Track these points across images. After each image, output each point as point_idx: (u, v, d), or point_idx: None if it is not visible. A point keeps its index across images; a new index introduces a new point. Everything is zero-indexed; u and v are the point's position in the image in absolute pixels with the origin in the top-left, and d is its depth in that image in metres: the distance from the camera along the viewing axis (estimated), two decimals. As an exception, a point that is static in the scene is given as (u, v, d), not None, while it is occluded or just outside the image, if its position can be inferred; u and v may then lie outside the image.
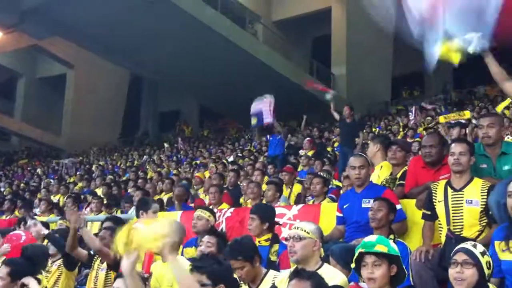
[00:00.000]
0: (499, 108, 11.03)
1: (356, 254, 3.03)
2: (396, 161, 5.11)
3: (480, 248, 2.90)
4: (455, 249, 2.92)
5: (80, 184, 14.05)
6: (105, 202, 8.73)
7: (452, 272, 2.87)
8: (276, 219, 4.98)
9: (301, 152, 12.42)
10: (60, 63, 31.07)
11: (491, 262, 2.87)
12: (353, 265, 3.10)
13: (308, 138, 12.91)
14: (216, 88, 24.40)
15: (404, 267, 3.02)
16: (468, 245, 2.90)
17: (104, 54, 24.88)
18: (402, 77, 29.18)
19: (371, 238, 3.03)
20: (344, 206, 4.68)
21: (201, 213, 5.25)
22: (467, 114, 9.91)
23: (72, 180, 16.08)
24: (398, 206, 4.41)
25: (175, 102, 33.66)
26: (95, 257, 5.27)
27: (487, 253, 2.91)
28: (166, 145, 12.32)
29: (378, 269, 2.92)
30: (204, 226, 5.12)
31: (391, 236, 4.02)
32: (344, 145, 10.65)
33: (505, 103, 10.90)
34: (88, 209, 9.25)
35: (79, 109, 31.15)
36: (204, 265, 2.99)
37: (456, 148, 3.96)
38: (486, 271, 2.83)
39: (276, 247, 4.56)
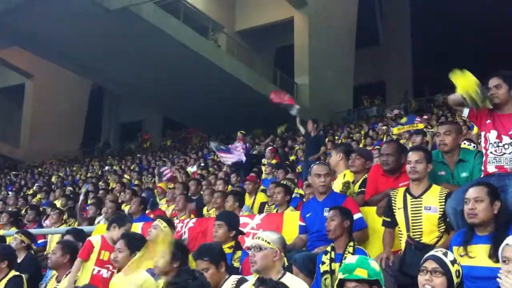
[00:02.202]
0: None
1: (337, 280, 2.97)
2: (356, 169, 5.16)
3: (451, 256, 2.89)
4: (425, 256, 2.89)
5: (38, 196, 13.69)
6: (64, 213, 8.54)
7: (421, 279, 2.84)
8: (240, 229, 4.99)
9: (264, 161, 12.43)
10: (18, 73, 30.36)
11: (460, 270, 2.86)
12: None
13: (270, 147, 12.92)
14: (178, 98, 24.30)
15: (383, 286, 2.98)
16: (438, 253, 2.88)
17: (64, 64, 24.46)
18: (364, 86, 29.70)
19: (351, 259, 2.96)
20: (307, 215, 4.70)
21: (158, 223, 5.24)
22: (420, 126, 10.09)
23: (30, 192, 15.67)
24: (359, 215, 4.45)
25: (137, 113, 33.37)
26: (49, 279, 5.14)
27: (457, 261, 2.90)
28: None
29: None
30: None
31: (351, 244, 4.03)
32: (308, 157, 10.72)
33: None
34: (47, 221, 9.02)
35: (38, 119, 30.46)
36: (178, 280, 2.97)
37: (412, 156, 4.03)
38: (455, 280, 2.81)
39: (239, 253, 4.62)
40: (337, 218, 4.09)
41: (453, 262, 2.86)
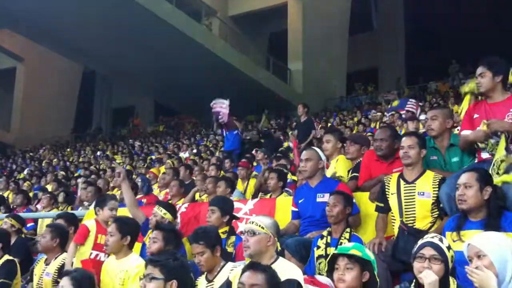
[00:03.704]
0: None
1: (329, 256, 2.99)
2: (351, 155, 5.15)
3: (446, 242, 2.91)
4: (421, 243, 2.88)
5: (28, 182, 13.61)
6: (57, 198, 8.50)
7: (418, 266, 2.83)
8: (234, 214, 4.99)
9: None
10: (9, 56, 30.03)
11: (453, 256, 2.89)
12: (326, 269, 3.05)
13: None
14: (171, 83, 24.13)
15: (376, 274, 2.99)
16: (435, 239, 2.88)
17: (55, 47, 24.20)
18: (357, 73, 29.65)
19: (347, 244, 3.00)
20: (299, 201, 4.69)
21: (157, 210, 5.20)
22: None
23: (21, 176, 15.58)
24: (353, 200, 4.45)
25: (129, 98, 33.17)
26: (36, 262, 5.11)
27: (451, 247, 2.93)
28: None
29: (350, 272, 2.89)
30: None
31: (347, 230, 4.04)
32: (300, 143, 10.72)
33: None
34: (38, 205, 8.99)
35: (29, 103, 30.18)
36: (158, 259, 2.95)
37: (405, 141, 4.03)
38: (450, 265, 2.85)
39: (232, 239, 4.65)
40: (340, 204, 4.08)
41: (449, 248, 2.89)
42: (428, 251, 2.83)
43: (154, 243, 4.23)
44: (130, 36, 20.63)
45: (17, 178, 14.44)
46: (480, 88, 3.88)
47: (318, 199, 4.50)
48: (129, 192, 5.43)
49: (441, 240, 2.90)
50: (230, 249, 4.56)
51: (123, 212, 6.07)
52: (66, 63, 28.31)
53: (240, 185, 8.11)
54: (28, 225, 7.88)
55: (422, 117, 10.08)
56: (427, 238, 2.92)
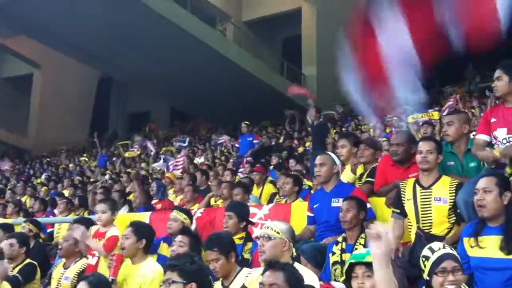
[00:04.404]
0: None
1: (346, 265, 2.97)
2: (365, 159, 5.13)
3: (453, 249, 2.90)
4: (440, 256, 2.77)
5: (45, 187, 13.74)
6: (73, 202, 8.58)
7: (441, 280, 2.73)
8: (249, 219, 4.98)
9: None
10: (26, 63, 30.41)
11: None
12: (343, 278, 3.04)
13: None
14: (186, 88, 24.25)
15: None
16: (448, 249, 2.84)
17: (72, 53, 24.44)
18: (372, 78, 29.51)
19: (362, 250, 2.98)
20: (314, 206, 4.68)
21: (177, 215, 5.22)
22: (435, 115, 9.99)
23: (39, 181, 15.74)
24: (368, 205, 4.42)
25: (145, 103, 33.34)
26: (55, 266, 5.16)
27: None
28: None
29: (369, 279, 2.86)
30: (180, 227, 5.06)
31: (362, 235, 4.01)
32: (314, 148, 10.67)
33: None
34: (55, 210, 9.07)
35: (46, 109, 30.51)
36: (177, 263, 2.97)
37: (423, 146, 4.00)
38: None
39: (249, 245, 4.61)
40: (353, 209, 4.07)
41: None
42: (449, 264, 2.74)
43: (181, 247, 4.24)
44: (145, 42, 20.80)
45: (34, 183, 14.59)
46: (496, 92, 3.84)
47: (333, 204, 4.50)
48: None
49: (451, 249, 2.87)
50: (247, 256, 4.53)
51: (139, 217, 6.12)
52: (82, 69, 28.58)
53: (255, 190, 8.11)
54: (48, 230, 7.98)
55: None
56: (440, 250, 2.80)
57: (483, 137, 3.92)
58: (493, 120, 3.87)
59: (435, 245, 2.87)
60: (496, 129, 3.83)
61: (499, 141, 3.81)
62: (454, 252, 2.83)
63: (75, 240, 5.02)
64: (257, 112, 21.97)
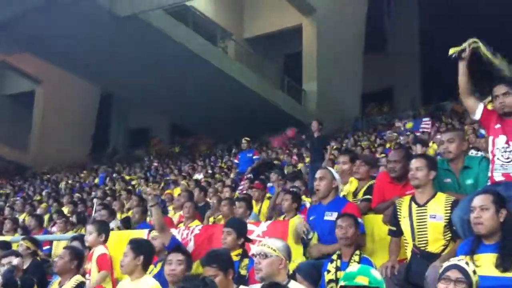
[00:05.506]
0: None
1: (339, 286, 2.96)
2: (360, 176, 5.15)
3: (472, 266, 2.89)
4: (447, 265, 2.87)
5: (45, 204, 13.72)
6: (71, 220, 8.56)
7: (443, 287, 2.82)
8: (247, 236, 4.99)
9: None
10: (28, 80, 30.59)
11: (478, 281, 2.85)
12: None
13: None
14: (187, 104, 24.36)
15: None
16: (461, 262, 2.87)
17: (74, 70, 24.62)
18: (372, 94, 29.62)
19: (353, 268, 2.94)
20: (310, 218, 4.70)
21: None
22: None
23: (38, 198, 15.73)
24: (359, 220, 4.42)
25: (146, 119, 33.47)
26: (51, 284, 5.14)
27: (476, 272, 2.89)
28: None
29: None
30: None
31: (357, 252, 4.02)
32: (314, 161, 10.65)
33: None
34: (54, 228, 9.05)
35: (47, 126, 30.62)
36: (188, 285, 2.95)
37: (413, 163, 4.03)
38: None
39: (246, 261, 4.60)
40: (354, 226, 4.08)
41: (474, 272, 2.86)
42: (454, 274, 2.80)
43: (180, 265, 4.24)
44: (147, 59, 20.95)
45: (33, 200, 14.57)
46: (505, 108, 3.84)
47: (326, 217, 4.52)
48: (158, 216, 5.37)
49: (467, 263, 2.87)
50: (243, 272, 4.53)
51: (139, 234, 6.11)
52: (84, 86, 28.75)
53: (254, 207, 8.09)
54: (45, 248, 7.94)
55: (438, 136, 10.04)
56: (453, 260, 2.91)
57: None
58: (497, 126, 3.89)
59: (456, 257, 2.97)
60: (498, 136, 3.85)
61: (497, 148, 3.84)
62: (466, 266, 2.84)
63: (70, 258, 5.02)
64: (258, 127, 22.03)
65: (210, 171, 15.27)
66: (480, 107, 3.99)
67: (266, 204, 8.24)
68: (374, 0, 29.03)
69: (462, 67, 3.99)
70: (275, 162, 13.91)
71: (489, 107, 4.12)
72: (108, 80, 24.71)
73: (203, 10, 25.53)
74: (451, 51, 3.88)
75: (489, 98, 4.13)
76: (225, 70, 22.36)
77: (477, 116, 4.00)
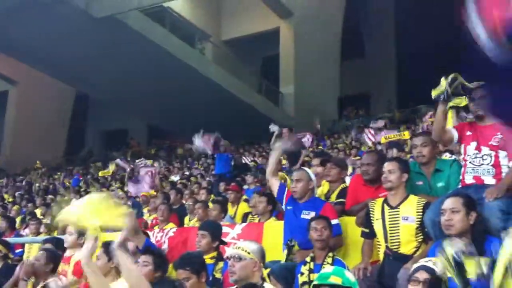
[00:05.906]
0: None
1: (311, 286, 2.98)
2: (331, 178, 5.18)
3: (440, 266, 2.88)
4: (416, 266, 2.92)
5: (17, 206, 13.49)
6: (43, 222, 8.42)
7: None
8: (222, 239, 4.97)
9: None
10: (2, 80, 30.05)
11: (447, 281, 2.86)
12: None
13: None
14: (164, 106, 24.23)
15: None
16: (429, 263, 2.91)
17: (48, 71, 24.30)
18: (348, 97, 29.86)
19: (327, 269, 2.98)
20: (288, 208, 4.70)
21: None
22: (406, 134, 10.21)
23: (10, 200, 15.45)
24: (336, 221, 4.44)
25: (122, 121, 33.16)
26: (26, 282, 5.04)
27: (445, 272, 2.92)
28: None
29: None
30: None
31: (330, 254, 4.04)
32: (290, 167, 10.75)
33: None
34: (26, 230, 8.90)
35: (21, 126, 30.11)
36: None
37: (386, 166, 4.09)
38: None
39: (221, 264, 4.60)
40: (328, 228, 4.10)
41: (444, 272, 2.87)
42: (422, 275, 2.86)
43: (145, 267, 4.20)
44: (123, 60, 20.78)
45: (5, 202, 14.31)
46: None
47: (303, 216, 4.53)
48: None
49: (435, 264, 2.90)
50: (218, 275, 4.53)
51: (113, 237, 6.04)
52: (59, 86, 28.35)
53: (230, 209, 8.07)
54: (17, 251, 7.79)
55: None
56: (421, 261, 2.96)
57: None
58: (469, 133, 3.96)
59: (424, 258, 3.04)
60: (470, 143, 3.91)
61: (468, 154, 3.90)
62: (433, 267, 2.87)
63: (46, 261, 4.93)
64: (235, 130, 21.99)
65: (186, 173, 15.21)
66: (454, 131, 4.07)
67: (241, 206, 8.22)
68: (351, 4, 29.30)
69: (440, 111, 3.99)
70: (251, 164, 13.95)
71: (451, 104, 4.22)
72: (83, 81, 24.45)
73: (181, 11, 25.44)
74: (433, 93, 3.91)
75: (457, 100, 4.20)
76: (202, 72, 22.30)
77: (456, 139, 4.07)
